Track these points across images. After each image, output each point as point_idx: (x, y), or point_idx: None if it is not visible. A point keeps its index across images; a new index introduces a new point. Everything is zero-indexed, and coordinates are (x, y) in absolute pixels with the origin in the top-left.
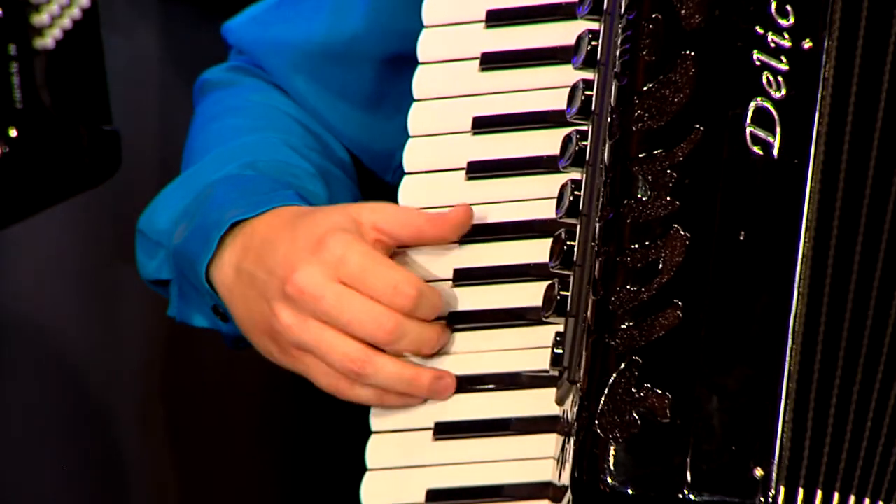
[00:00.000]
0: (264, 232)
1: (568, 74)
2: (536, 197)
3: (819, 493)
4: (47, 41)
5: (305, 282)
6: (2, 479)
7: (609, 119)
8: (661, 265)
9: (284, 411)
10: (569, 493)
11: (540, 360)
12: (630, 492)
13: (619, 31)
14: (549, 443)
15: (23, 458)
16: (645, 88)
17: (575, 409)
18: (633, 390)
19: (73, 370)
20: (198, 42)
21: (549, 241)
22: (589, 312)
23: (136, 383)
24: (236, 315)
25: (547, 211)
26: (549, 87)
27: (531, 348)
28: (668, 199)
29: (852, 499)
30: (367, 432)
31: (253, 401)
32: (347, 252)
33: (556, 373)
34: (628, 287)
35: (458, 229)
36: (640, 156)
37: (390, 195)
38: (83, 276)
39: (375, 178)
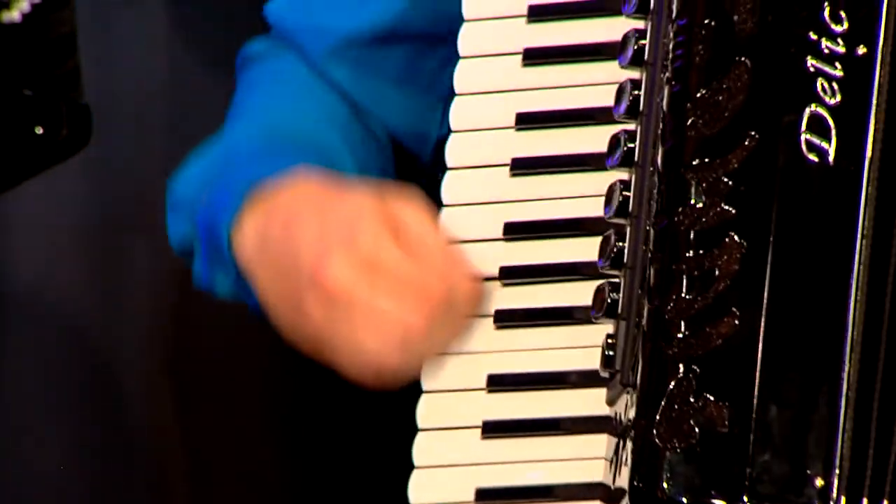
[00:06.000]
0: (288, 203)
1: (612, 72)
2: (582, 195)
3: None
4: (13, 14)
5: (337, 277)
6: (4, 452)
7: (661, 124)
8: (716, 273)
9: (294, 384)
10: (626, 499)
11: (588, 360)
12: (688, 501)
13: (671, 34)
14: (600, 443)
15: (26, 431)
16: (698, 95)
17: (631, 415)
18: (692, 399)
19: (78, 340)
20: (208, 18)
21: (596, 239)
22: (644, 320)
23: (142, 354)
24: (259, 288)
25: (591, 209)
26: (592, 84)
27: (579, 347)
28: (724, 206)
29: None
30: (373, 407)
31: (262, 374)
32: (380, 246)
33: (606, 374)
34: (684, 295)
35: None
36: (695, 163)
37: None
38: (88, 246)
39: (411, 161)
